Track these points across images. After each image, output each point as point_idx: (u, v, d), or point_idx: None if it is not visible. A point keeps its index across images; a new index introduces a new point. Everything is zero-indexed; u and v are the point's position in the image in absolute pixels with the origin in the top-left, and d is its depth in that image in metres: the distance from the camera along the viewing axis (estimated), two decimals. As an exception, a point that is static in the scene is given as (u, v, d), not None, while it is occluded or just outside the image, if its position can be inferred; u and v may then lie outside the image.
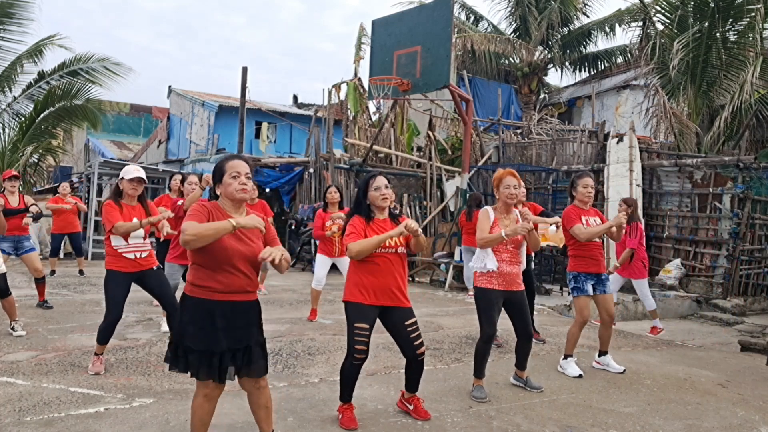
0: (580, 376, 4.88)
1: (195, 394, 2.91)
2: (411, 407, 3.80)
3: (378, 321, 3.65)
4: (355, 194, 3.75)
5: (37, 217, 6.93)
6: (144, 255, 4.61)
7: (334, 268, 6.89)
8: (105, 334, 4.50)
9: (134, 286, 4.69)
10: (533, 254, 6.27)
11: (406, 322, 3.60)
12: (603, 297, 5.07)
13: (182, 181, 6.21)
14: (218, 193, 2.92)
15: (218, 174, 2.90)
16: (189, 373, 2.83)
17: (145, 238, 4.65)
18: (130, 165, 4.83)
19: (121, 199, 4.60)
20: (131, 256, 4.55)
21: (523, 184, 4.57)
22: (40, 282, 6.89)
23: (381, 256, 3.57)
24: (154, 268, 4.69)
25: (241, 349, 2.84)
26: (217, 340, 2.78)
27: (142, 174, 4.63)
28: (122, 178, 4.61)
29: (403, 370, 3.79)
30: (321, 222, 6.68)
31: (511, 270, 4.28)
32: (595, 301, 5.14)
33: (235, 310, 2.83)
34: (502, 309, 4.35)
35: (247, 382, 2.96)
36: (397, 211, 3.86)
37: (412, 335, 3.60)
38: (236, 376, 2.90)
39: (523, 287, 4.37)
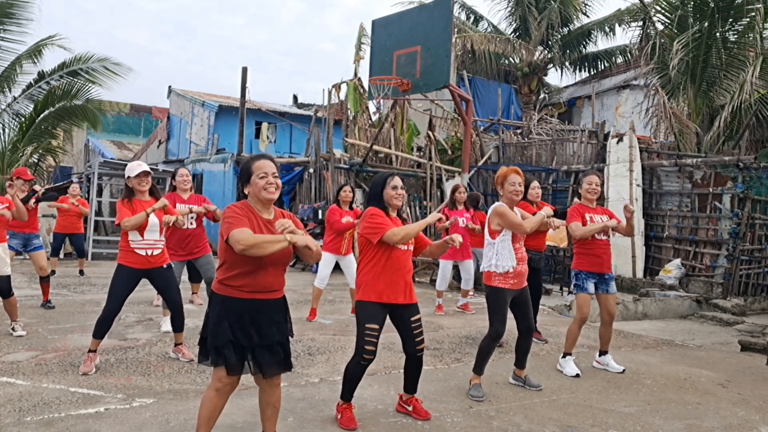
0: (578, 375, 4.88)
1: (208, 387, 2.95)
2: (410, 408, 3.81)
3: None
4: (371, 191, 3.79)
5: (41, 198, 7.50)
6: (156, 253, 4.65)
7: (335, 268, 6.90)
8: (101, 327, 4.51)
9: (139, 286, 4.72)
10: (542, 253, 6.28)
11: (412, 318, 3.66)
12: (605, 296, 5.07)
13: (173, 176, 6.24)
14: (246, 192, 2.95)
15: (245, 174, 2.93)
16: (213, 366, 2.86)
17: (161, 233, 4.69)
18: (132, 162, 4.88)
19: (134, 197, 4.67)
20: (143, 252, 4.58)
21: (538, 184, 4.52)
22: (44, 281, 6.95)
23: (395, 250, 3.61)
24: (164, 266, 4.73)
25: (265, 346, 2.88)
26: (240, 335, 2.82)
27: (146, 167, 4.73)
28: (128, 176, 4.68)
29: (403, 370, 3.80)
30: (339, 216, 6.70)
31: (522, 268, 4.35)
32: (597, 300, 5.14)
33: (260, 308, 2.88)
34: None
35: (261, 378, 2.98)
36: (404, 215, 3.90)
37: (415, 332, 3.65)
38: (257, 371, 2.92)
39: (526, 283, 4.41)
